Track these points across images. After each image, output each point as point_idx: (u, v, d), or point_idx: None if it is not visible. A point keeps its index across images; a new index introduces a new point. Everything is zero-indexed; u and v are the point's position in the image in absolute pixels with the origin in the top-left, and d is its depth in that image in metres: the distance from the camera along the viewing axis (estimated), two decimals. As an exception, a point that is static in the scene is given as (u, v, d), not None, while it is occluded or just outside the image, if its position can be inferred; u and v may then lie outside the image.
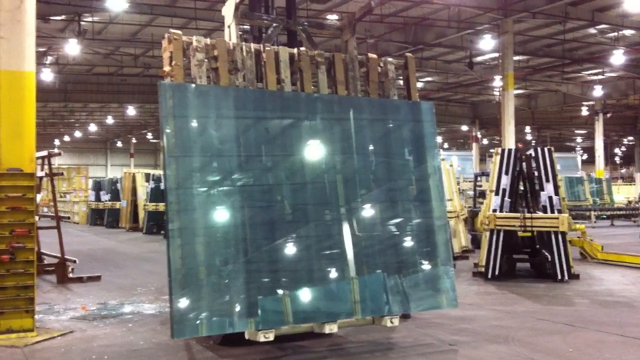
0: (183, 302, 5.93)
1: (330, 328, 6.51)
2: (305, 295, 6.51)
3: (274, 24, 7.86)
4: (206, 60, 6.76)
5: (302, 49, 7.47)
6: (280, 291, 6.37)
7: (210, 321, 6.03)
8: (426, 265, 7.24)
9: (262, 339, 6.19)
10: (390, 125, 7.51)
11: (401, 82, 8.16)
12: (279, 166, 6.73)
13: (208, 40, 6.87)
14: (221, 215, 6.31)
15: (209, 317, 6.02)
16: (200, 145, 6.35)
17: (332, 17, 22.90)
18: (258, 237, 6.43)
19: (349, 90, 7.48)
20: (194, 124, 6.38)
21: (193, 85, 6.59)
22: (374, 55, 7.85)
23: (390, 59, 7.95)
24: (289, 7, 8.21)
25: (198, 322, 5.96)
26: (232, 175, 6.45)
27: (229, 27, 7.41)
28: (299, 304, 6.45)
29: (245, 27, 8.30)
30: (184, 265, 6.01)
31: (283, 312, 6.35)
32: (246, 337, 6.42)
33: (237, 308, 6.14)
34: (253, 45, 7.10)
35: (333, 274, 6.69)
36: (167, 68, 6.73)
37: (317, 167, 6.93)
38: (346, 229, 6.86)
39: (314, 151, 6.94)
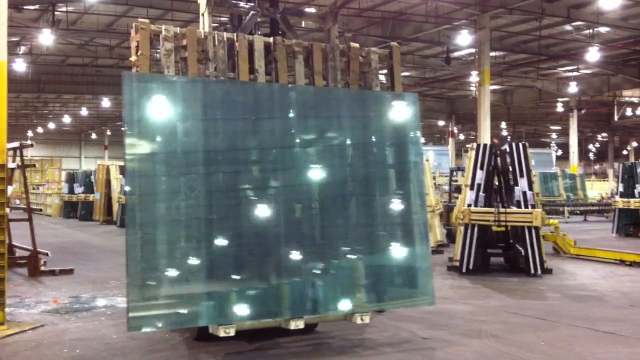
0: (140, 294, 5.77)
1: (296, 324, 6.32)
2: (269, 289, 6.35)
3: (252, 12, 7.61)
4: (175, 50, 6.56)
5: (279, 38, 7.24)
6: (243, 285, 6.22)
7: (167, 315, 5.89)
8: (403, 261, 7.09)
9: (222, 334, 6.03)
10: (371, 117, 7.27)
11: (385, 73, 7.84)
12: (246, 158, 6.58)
13: (178, 30, 6.67)
14: (184, 208, 6.13)
15: (166, 311, 5.87)
16: (164, 137, 6.18)
17: (310, 11, 22.79)
18: (221, 230, 6.27)
19: (327, 81, 7.24)
20: (159, 114, 6.19)
21: (158, 75, 6.42)
22: (356, 45, 7.58)
23: (374, 49, 7.68)
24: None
25: (155, 315, 5.82)
26: (197, 168, 6.26)
27: (202, 15, 7.28)
28: (263, 298, 6.30)
29: (225, 17, 8.09)
30: (142, 258, 5.86)
31: (246, 306, 6.20)
32: (210, 331, 6.26)
33: (197, 302, 5.99)
34: (226, 35, 6.89)
35: (300, 268, 6.53)
36: (133, 58, 6.58)
37: (290, 159, 6.77)
38: (317, 223, 6.71)
39: (287, 143, 6.77)
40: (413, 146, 7.36)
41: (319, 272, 6.60)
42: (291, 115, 6.89)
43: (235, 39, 6.88)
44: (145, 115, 6.15)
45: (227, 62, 6.77)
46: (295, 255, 6.57)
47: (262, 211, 6.52)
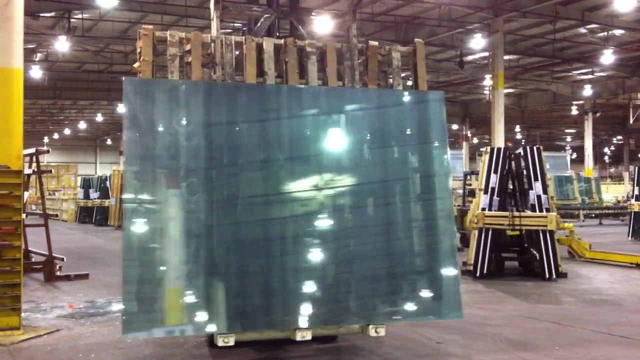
0: (136, 297, 5.68)
1: (303, 335, 6.07)
2: (274, 299, 6.09)
3: (265, 15, 7.52)
4: (179, 55, 6.51)
5: (290, 39, 7.06)
6: (247, 293, 6.00)
7: (164, 321, 5.76)
8: (428, 272, 6.58)
9: (220, 343, 5.86)
10: (391, 117, 6.83)
11: (409, 71, 7.51)
12: (253, 168, 6.29)
13: (183, 35, 6.63)
14: (183, 213, 5.98)
15: (164, 317, 5.75)
16: (165, 144, 6.05)
17: (325, 16, 22.83)
18: (225, 235, 6.05)
19: (344, 81, 6.99)
20: (160, 120, 6.07)
21: (159, 79, 6.35)
22: (375, 43, 7.29)
23: (396, 46, 7.42)
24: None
25: (151, 320, 5.70)
26: (201, 177, 6.08)
27: (212, 20, 7.29)
28: (268, 308, 6.06)
29: (242, 22, 8.04)
30: (140, 261, 5.78)
31: (248, 316, 6.01)
32: (214, 341, 6.12)
33: (197, 309, 5.83)
34: (234, 38, 6.80)
35: (312, 277, 6.23)
36: (137, 64, 6.56)
37: (302, 164, 6.47)
38: (331, 228, 6.40)
39: (297, 147, 6.49)
40: (438, 148, 6.87)
41: (335, 282, 6.31)
42: (304, 118, 6.63)
43: (243, 41, 6.81)
44: (146, 120, 6.04)
45: (234, 66, 6.68)
46: (306, 264, 6.26)
47: (270, 215, 6.24)
